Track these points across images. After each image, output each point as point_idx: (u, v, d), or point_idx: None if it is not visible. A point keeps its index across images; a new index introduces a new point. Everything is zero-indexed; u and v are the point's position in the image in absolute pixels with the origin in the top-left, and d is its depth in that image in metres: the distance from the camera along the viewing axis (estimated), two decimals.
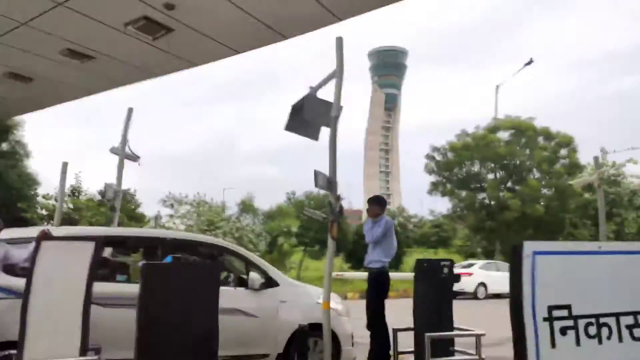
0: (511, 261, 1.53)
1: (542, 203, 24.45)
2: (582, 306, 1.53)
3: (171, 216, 17.04)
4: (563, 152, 23.73)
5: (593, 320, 1.55)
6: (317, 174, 5.19)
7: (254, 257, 5.83)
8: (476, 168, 25.19)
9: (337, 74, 5.40)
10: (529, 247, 1.44)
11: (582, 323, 1.53)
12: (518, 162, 24.82)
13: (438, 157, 25.59)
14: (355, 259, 24.40)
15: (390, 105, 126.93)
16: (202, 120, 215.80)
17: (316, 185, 5.21)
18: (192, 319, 3.97)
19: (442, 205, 39.34)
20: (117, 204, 7.39)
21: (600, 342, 1.54)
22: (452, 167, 25.01)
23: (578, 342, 1.49)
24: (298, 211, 22.44)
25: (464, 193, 25.08)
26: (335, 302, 6.12)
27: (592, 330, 1.53)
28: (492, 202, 24.05)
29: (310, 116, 5.75)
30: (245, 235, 16.99)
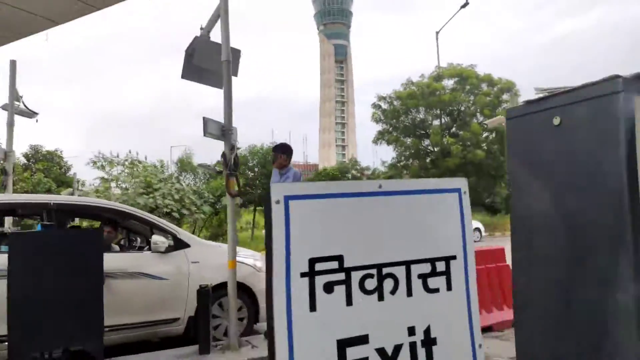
0: (264, 210, 1.24)
1: (485, 147, 24.99)
2: (358, 256, 1.25)
3: (103, 179, 16.02)
4: (505, 97, 24.09)
5: (373, 271, 1.27)
6: (206, 120, 4.72)
7: (158, 220, 5.51)
8: (422, 116, 25.29)
9: (222, 12, 4.79)
10: (279, 191, 1.13)
11: (356, 276, 1.24)
12: (463, 108, 25.07)
13: (384, 106, 25.50)
14: None
15: (340, 57, 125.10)
16: (148, 79, 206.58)
17: (205, 134, 4.76)
18: (73, 287, 3.65)
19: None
20: (9, 166, 6.73)
21: (381, 297, 1.30)
22: (399, 115, 24.98)
23: (350, 301, 1.23)
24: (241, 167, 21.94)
25: (409, 141, 25.23)
26: (254, 259, 5.92)
27: (371, 284, 1.27)
28: (436, 149, 24.36)
29: (201, 62, 5.19)
30: (186, 196, 16.32)
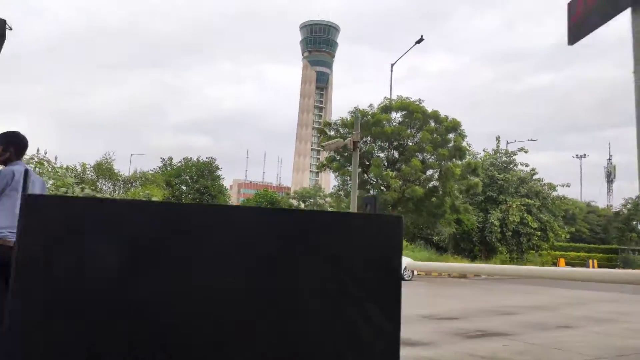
0: None
1: (430, 185, 24.58)
2: None
3: None
4: (451, 136, 23.80)
5: None
6: None
7: None
8: (367, 146, 24.76)
9: None
10: None
11: None
12: (411, 143, 24.69)
13: (330, 132, 24.94)
14: None
15: (322, 84, 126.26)
16: (123, 85, 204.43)
17: None
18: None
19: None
20: None
21: None
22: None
23: None
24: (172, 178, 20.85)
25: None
26: None
27: None
28: (379, 181, 23.79)
29: None
30: None
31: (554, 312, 12.17)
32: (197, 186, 21.60)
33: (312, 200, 60.29)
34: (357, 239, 1.52)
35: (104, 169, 18.14)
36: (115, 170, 18.86)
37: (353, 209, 5.12)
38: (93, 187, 18.47)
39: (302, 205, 58.97)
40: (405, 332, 8.02)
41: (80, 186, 16.15)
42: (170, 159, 21.97)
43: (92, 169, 18.30)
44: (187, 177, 22.11)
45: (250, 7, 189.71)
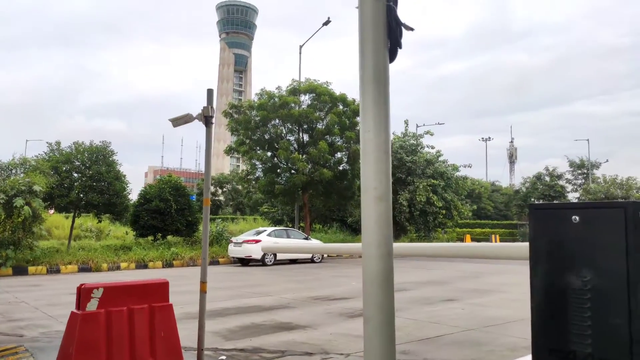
0: None
1: (340, 167, 24.64)
2: None
3: None
4: (359, 119, 23.89)
5: None
6: None
7: None
8: (277, 129, 24.27)
9: None
10: None
11: None
12: (320, 126, 24.55)
13: (236, 115, 24.14)
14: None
15: (240, 67, 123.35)
16: (29, 66, 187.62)
17: None
18: None
19: None
20: None
21: None
22: (253, 126, 23.73)
23: None
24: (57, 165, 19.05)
25: (260, 153, 24.06)
26: None
27: None
28: (288, 164, 23.47)
29: None
30: None
31: (444, 286, 12.59)
32: (91, 173, 20.00)
33: (229, 185, 58.92)
34: None
35: None
36: None
37: (207, 189, 4.63)
38: None
39: (220, 191, 57.46)
40: (290, 315, 7.77)
41: None
42: (58, 143, 20.09)
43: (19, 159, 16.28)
44: (78, 163, 20.38)
45: None
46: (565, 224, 1.79)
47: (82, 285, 4.35)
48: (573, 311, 1.80)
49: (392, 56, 1.64)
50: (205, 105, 4.87)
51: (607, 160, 50.07)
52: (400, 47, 1.61)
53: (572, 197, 47.00)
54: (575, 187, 47.86)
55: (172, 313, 4.78)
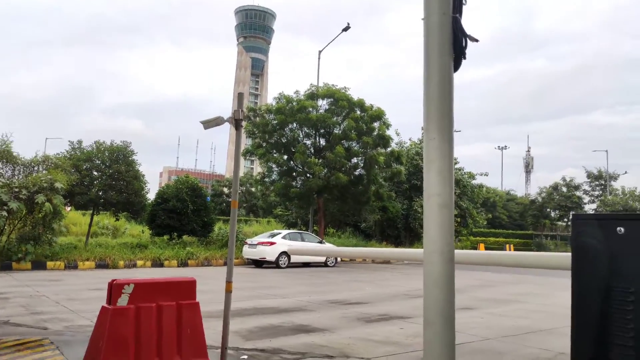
0: None
1: (356, 172, 24.65)
2: None
3: None
4: (376, 125, 23.95)
5: None
6: None
7: None
8: (294, 133, 24.40)
9: None
10: None
11: None
12: (337, 131, 24.62)
13: (255, 119, 24.34)
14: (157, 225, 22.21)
15: (257, 70, 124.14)
16: (52, 64, 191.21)
17: None
18: None
19: None
20: None
21: None
22: (270, 129, 23.89)
23: None
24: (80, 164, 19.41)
25: (277, 156, 24.20)
26: None
27: None
28: (304, 168, 23.55)
29: None
30: None
31: (461, 294, 12.52)
32: (110, 172, 20.33)
33: (243, 188, 59.18)
34: None
35: (1, 152, 16.49)
36: (15, 154, 17.22)
37: (234, 192, 4.73)
38: None
39: None
40: (308, 318, 7.82)
41: None
42: (80, 141, 20.47)
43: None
44: (99, 162, 20.72)
45: None
46: (609, 234, 1.82)
47: (113, 280, 4.46)
48: (616, 322, 1.81)
49: (457, 66, 1.70)
50: (236, 108, 4.96)
51: (625, 172, 49.15)
52: (465, 58, 1.67)
53: (589, 208, 46.36)
54: (593, 198, 47.19)
55: (199, 311, 4.87)
